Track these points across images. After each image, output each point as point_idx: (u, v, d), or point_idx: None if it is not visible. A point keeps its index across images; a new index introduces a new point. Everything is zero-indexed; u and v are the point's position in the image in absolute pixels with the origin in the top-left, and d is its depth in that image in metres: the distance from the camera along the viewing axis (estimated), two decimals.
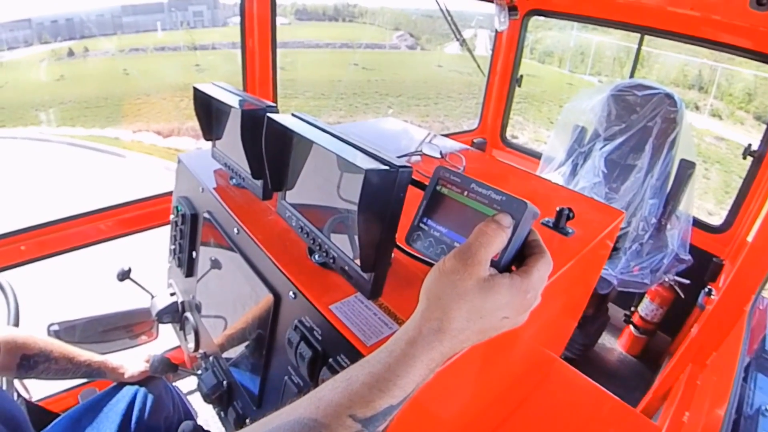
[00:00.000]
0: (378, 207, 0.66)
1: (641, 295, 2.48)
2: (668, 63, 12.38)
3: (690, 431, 1.30)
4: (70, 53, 12.09)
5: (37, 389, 1.46)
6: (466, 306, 0.48)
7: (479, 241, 0.49)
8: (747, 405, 1.17)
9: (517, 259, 0.54)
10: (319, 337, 0.77)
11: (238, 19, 1.77)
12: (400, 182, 0.66)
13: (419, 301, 0.51)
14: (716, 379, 1.40)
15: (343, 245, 0.77)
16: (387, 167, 0.65)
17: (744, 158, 2.09)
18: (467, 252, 0.49)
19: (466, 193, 0.59)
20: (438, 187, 0.62)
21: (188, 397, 1.39)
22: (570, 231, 1.03)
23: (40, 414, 1.17)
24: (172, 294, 1.36)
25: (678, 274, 2.14)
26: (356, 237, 0.69)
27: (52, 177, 7.05)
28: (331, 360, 0.74)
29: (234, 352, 1.08)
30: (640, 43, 2.55)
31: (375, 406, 0.46)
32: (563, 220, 1.03)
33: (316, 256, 0.89)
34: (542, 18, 2.66)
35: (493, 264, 0.52)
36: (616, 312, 2.67)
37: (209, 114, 1.15)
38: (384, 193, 0.66)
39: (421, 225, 0.63)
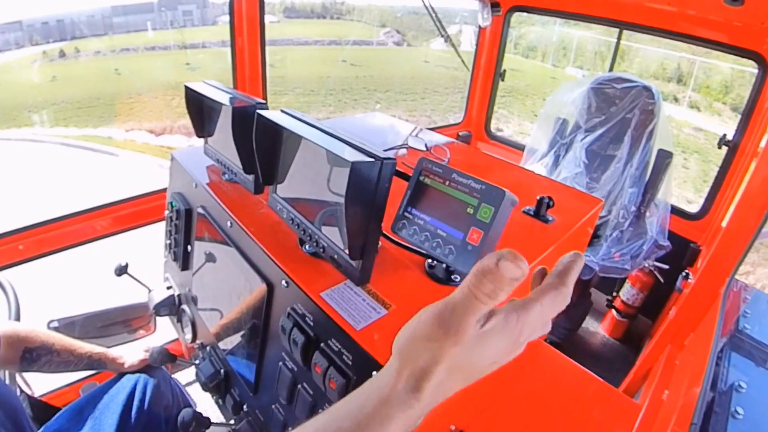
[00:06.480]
0: (364, 197, 0.69)
1: (622, 281, 2.54)
2: (648, 57, 12.47)
3: (669, 408, 1.34)
4: (62, 54, 11.93)
5: (39, 385, 1.47)
6: (447, 365, 0.40)
7: (465, 304, 0.39)
8: (721, 382, 1.21)
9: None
10: (311, 323, 0.79)
11: (227, 17, 1.78)
12: (385, 173, 0.68)
13: (392, 355, 0.44)
14: (693, 358, 1.43)
15: (333, 235, 0.79)
16: (372, 159, 0.67)
17: (719, 148, 2.13)
18: (450, 318, 0.40)
19: (447, 182, 0.62)
20: (421, 178, 0.65)
21: (187, 388, 1.42)
22: (550, 218, 1.07)
23: (43, 409, 1.18)
24: (169, 287, 1.38)
25: (657, 260, 2.19)
26: (344, 226, 0.71)
27: (47, 177, 6.97)
28: (322, 344, 0.76)
29: (230, 342, 1.10)
30: (619, 38, 2.61)
31: None
32: (544, 208, 1.07)
33: (307, 246, 0.91)
34: (524, 14, 2.70)
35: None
36: (598, 297, 2.72)
37: (201, 112, 1.17)
38: (369, 183, 0.68)
39: (406, 214, 0.66)
